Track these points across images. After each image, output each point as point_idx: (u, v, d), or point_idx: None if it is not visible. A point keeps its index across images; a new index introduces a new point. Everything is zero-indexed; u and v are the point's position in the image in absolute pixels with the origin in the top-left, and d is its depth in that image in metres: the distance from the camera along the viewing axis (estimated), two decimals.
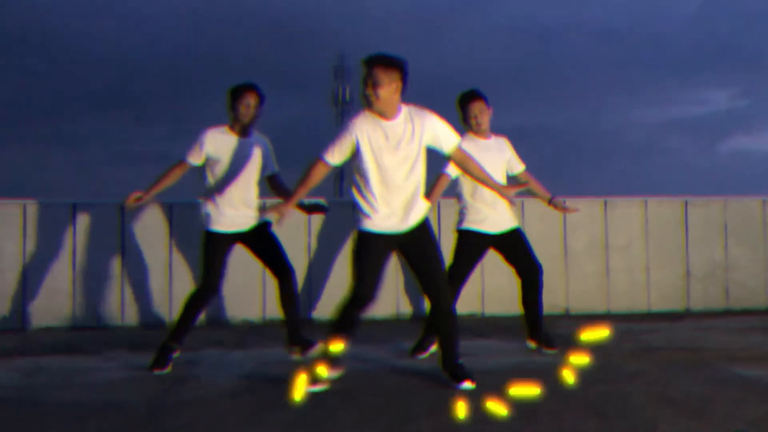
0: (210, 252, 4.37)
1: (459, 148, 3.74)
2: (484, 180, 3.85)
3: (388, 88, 3.54)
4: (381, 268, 3.66)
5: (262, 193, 4.62)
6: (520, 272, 4.79)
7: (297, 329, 4.57)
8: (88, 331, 6.22)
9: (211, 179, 4.43)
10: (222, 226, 4.39)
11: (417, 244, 3.69)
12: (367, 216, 3.63)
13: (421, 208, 3.71)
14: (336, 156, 3.64)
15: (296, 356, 4.48)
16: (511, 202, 3.84)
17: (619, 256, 7.33)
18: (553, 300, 7.08)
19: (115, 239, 6.59)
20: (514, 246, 4.76)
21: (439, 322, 3.76)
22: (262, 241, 4.53)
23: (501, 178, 4.66)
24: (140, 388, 3.75)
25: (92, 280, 6.54)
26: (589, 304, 7.23)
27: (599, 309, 7.24)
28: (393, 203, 3.62)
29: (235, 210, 4.40)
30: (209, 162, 4.40)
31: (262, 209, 4.44)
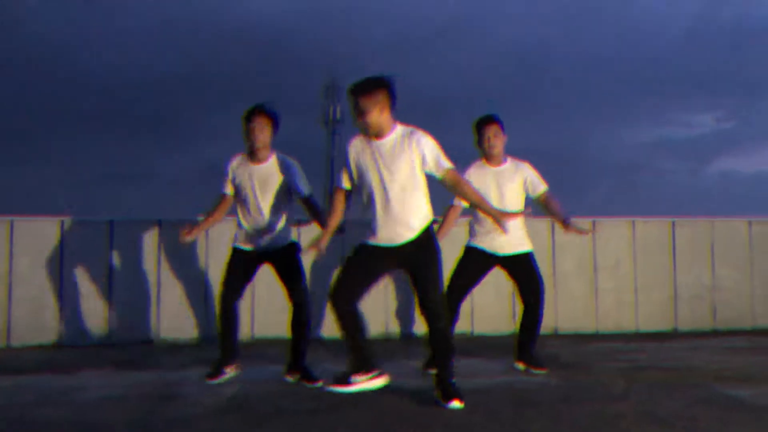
0: (227, 266, 4.48)
1: (450, 171, 3.72)
2: (479, 204, 3.84)
3: (374, 112, 3.64)
4: (370, 277, 3.79)
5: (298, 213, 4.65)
6: (522, 296, 4.82)
7: (301, 356, 4.46)
8: (74, 349, 6.17)
9: (237, 207, 4.54)
10: (241, 243, 4.49)
11: (413, 261, 3.72)
12: (370, 231, 3.77)
13: (417, 225, 3.70)
14: (345, 180, 3.86)
15: (291, 380, 4.43)
16: (504, 230, 3.86)
17: (607, 276, 7.36)
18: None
19: (103, 256, 6.55)
20: (519, 270, 4.79)
21: (434, 341, 3.78)
22: (286, 263, 4.48)
23: (517, 202, 4.71)
24: (127, 407, 3.71)
25: (78, 298, 6.49)
26: (578, 324, 7.24)
27: (587, 329, 7.25)
28: (387, 219, 3.68)
29: (257, 235, 4.44)
30: (236, 191, 4.51)
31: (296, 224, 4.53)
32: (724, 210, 8.34)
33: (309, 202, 4.48)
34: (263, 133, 4.37)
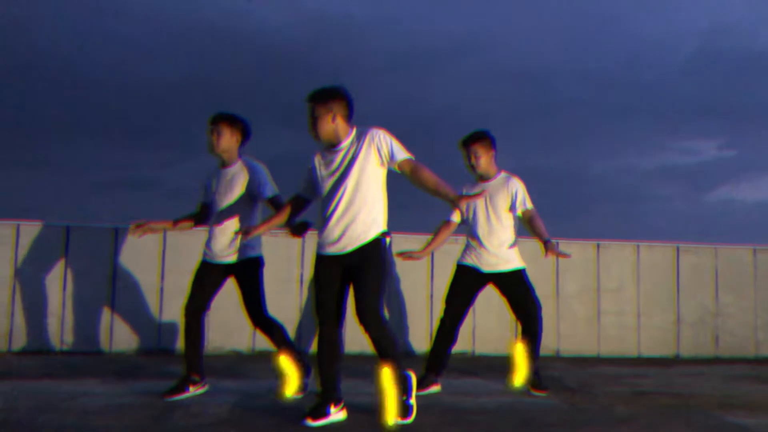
0: (193, 278, 4.47)
1: (408, 161, 3.63)
2: (437, 188, 3.55)
3: (325, 120, 3.68)
4: (333, 290, 3.68)
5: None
6: (516, 315, 4.78)
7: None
8: (77, 356, 6.16)
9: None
10: (206, 255, 4.48)
11: (355, 270, 3.64)
12: (319, 240, 3.75)
13: (365, 233, 3.65)
14: (302, 187, 3.94)
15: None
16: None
17: (610, 300, 7.35)
18: (543, 341, 7.07)
19: (107, 264, 6.56)
20: (510, 288, 4.75)
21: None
22: (245, 280, 4.44)
23: (502, 215, 4.71)
24: (127, 416, 3.70)
25: (81, 305, 6.49)
26: (579, 347, 7.22)
27: (589, 352, 7.23)
28: (335, 227, 3.65)
29: (215, 240, 4.42)
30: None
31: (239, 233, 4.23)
32: (724, 238, 8.34)
33: (275, 202, 4.40)
34: (222, 138, 4.42)
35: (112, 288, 6.55)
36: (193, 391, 4.31)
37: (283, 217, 3.99)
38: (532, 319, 4.70)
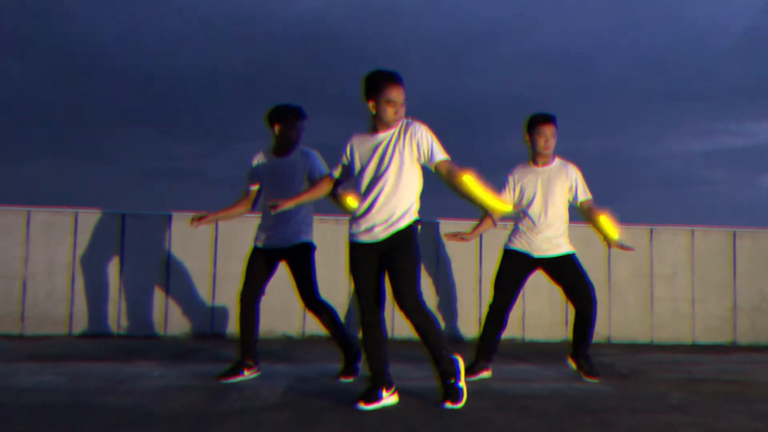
0: (247, 264, 4.54)
1: (445, 162, 3.67)
2: (475, 196, 3.65)
3: (403, 105, 3.69)
4: (371, 277, 3.72)
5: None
6: (570, 300, 4.73)
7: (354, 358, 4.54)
8: (133, 340, 6.33)
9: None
10: (258, 241, 4.55)
11: (389, 256, 3.67)
12: (354, 228, 3.76)
13: (400, 221, 3.68)
14: (336, 169, 3.92)
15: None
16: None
17: (663, 286, 7.21)
18: (595, 328, 7.00)
19: (161, 250, 6.71)
20: (561, 273, 4.71)
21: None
22: (297, 264, 4.51)
23: (558, 201, 4.68)
24: (184, 397, 3.80)
25: (136, 290, 6.67)
26: (632, 333, 7.11)
27: (642, 338, 7.12)
28: (374, 217, 3.68)
29: (268, 225, 4.49)
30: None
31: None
32: None
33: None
34: (292, 130, 4.52)
35: (166, 273, 6.70)
36: (247, 374, 4.40)
37: (316, 194, 4.00)
38: (586, 302, 4.64)
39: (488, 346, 4.76)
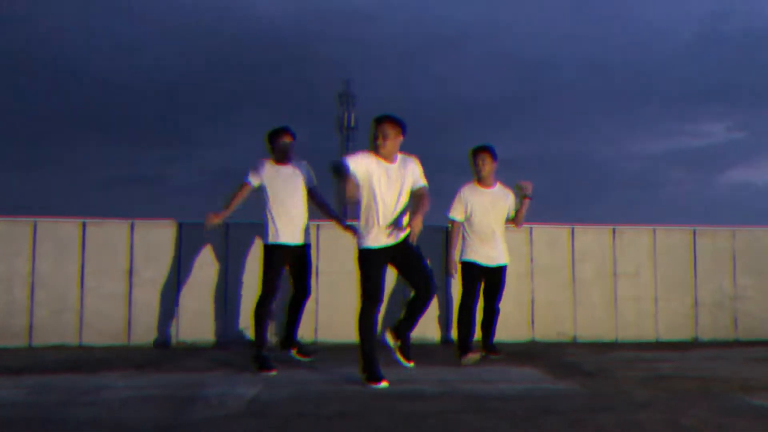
0: (270, 264, 5.12)
1: (423, 188, 4.62)
2: (416, 212, 4.49)
3: (396, 141, 4.58)
4: (384, 275, 4.61)
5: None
6: (488, 301, 5.79)
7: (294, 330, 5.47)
8: (95, 351, 6.20)
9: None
10: (272, 239, 5.16)
11: (401, 255, 4.62)
12: (373, 236, 4.56)
13: (404, 229, 4.59)
14: (357, 174, 4.54)
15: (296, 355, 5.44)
16: (413, 234, 4.47)
17: (627, 285, 7.31)
18: (561, 328, 7.07)
19: (124, 258, 6.60)
20: (496, 279, 5.73)
21: (416, 302, 4.67)
22: (307, 261, 5.34)
23: (501, 221, 5.73)
24: (149, 408, 3.73)
25: (98, 299, 6.54)
26: (597, 333, 7.19)
27: (607, 337, 7.20)
28: (391, 226, 4.55)
29: (284, 226, 5.15)
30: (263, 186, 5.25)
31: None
32: (736, 220, 8.28)
33: (315, 192, 5.43)
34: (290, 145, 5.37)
35: (129, 281, 6.59)
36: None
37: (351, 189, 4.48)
38: (492, 313, 5.80)
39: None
